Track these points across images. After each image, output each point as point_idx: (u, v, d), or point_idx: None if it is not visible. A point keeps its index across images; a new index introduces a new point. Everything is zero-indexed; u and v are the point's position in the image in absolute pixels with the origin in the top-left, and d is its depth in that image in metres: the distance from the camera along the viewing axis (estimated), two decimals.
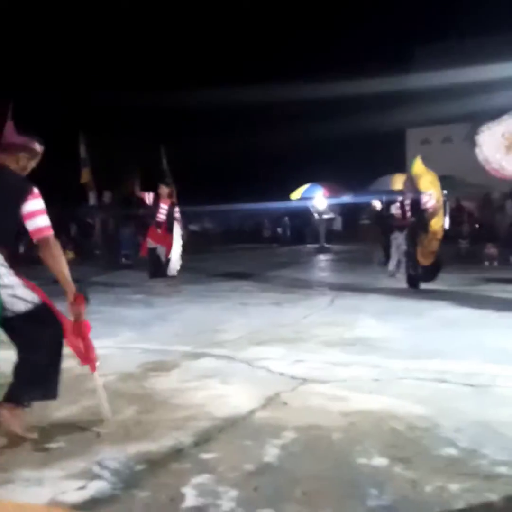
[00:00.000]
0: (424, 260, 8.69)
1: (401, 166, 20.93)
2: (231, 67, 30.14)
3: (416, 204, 8.85)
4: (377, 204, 12.02)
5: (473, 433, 3.07)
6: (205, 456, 2.89)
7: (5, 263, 3.14)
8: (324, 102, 24.82)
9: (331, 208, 23.90)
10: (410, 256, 8.83)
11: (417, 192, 8.83)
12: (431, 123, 24.40)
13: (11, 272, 3.14)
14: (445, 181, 21.31)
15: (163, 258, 10.49)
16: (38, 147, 3.41)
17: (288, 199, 24.03)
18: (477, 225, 17.03)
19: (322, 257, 17.54)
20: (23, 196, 3.16)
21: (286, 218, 27.39)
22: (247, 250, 22.23)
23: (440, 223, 8.79)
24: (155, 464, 2.81)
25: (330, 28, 28.92)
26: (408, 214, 9.03)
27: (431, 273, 8.79)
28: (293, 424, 3.26)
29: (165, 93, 25.17)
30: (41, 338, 3.16)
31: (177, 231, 10.48)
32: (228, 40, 30.36)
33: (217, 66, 29.54)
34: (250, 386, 4.00)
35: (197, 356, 4.90)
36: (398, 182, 13.95)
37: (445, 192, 22.18)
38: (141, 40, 29.43)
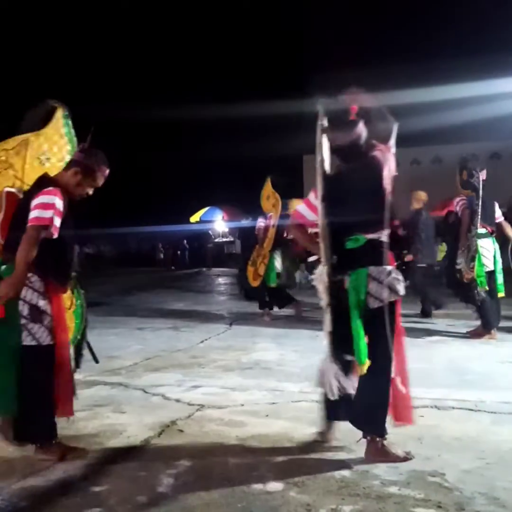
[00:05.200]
0: (253, 281, 8.62)
1: (299, 191, 21.46)
2: (131, 85, 29.87)
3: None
4: None
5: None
6: (95, 489, 2.77)
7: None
8: (224, 126, 25.15)
9: (230, 231, 24.12)
10: (240, 274, 9.02)
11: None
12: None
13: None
14: None
15: None
16: (94, 165, 3.33)
17: (187, 222, 24.03)
18: None
19: (221, 280, 17.58)
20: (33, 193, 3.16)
21: (185, 241, 27.37)
22: (143, 273, 21.91)
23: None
24: (42, 499, 2.67)
25: (230, 52, 29.37)
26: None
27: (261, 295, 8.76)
28: (188, 452, 3.20)
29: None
30: None
31: None
32: (125, 61, 30.12)
33: (114, 84, 29.16)
34: (145, 414, 3.89)
35: (89, 384, 4.72)
36: (294, 206, 14.19)
37: None
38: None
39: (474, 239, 6.54)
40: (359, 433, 3.15)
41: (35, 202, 3.10)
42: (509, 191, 12.86)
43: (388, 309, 3.09)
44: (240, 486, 2.77)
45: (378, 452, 3.07)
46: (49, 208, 3.09)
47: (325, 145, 3.17)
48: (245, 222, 9.02)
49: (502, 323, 7.39)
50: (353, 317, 3.08)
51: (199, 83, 30.41)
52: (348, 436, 3.40)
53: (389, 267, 3.15)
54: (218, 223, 24.24)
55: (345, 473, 2.90)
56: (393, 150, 3.21)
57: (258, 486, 2.76)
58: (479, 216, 6.55)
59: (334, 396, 3.12)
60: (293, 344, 6.47)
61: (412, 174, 20.23)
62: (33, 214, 3.07)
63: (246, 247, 9.56)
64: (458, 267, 6.65)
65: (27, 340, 3.12)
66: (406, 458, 3.06)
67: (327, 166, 3.19)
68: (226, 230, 24.78)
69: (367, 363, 3.04)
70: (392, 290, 3.11)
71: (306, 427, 3.57)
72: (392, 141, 3.22)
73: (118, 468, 3.01)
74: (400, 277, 3.17)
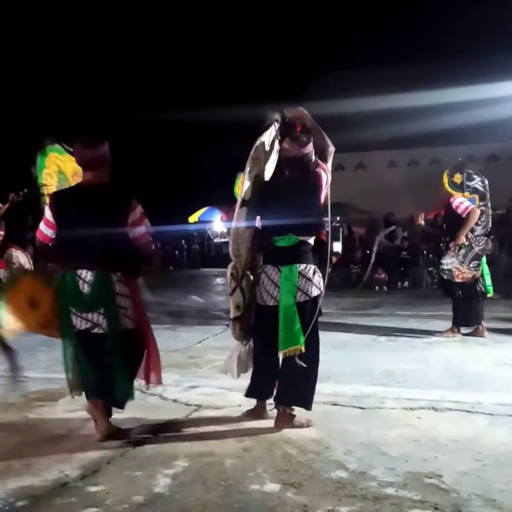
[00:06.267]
0: None
1: None
2: (129, 86, 29.77)
3: None
4: None
5: (362, 455, 3.14)
6: (92, 489, 2.76)
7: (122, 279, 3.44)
8: (223, 127, 25.12)
9: (229, 231, 24.07)
10: None
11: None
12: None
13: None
14: (337, 207, 22.14)
15: None
16: (105, 144, 3.50)
17: (185, 222, 24.00)
18: (367, 251, 17.61)
19: (219, 280, 17.57)
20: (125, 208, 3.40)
21: (183, 241, 27.33)
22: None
23: None
24: (38, 499, 2.67)
25: (229, 53, 29.33)
26: None
27: None
28: (186, 452, 3.19)
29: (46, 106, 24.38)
30: None
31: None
32: (128, 63, 29.96)
33: (111, 86, 29.04)
34: (142, 414, 3.89)
35: None
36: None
37: (337, 218, 23.11)
38: None
39: (480, 238, 6.66)
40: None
41: (133, 218, 3.43)
42: (507, 193, 12.89)
43: (312, 302, 3.57)
44: (237, 486, 2.77)
45: (288, 420, 3.55)
46: (145, 216, 3.51)
47: (274, 153, 3.69)
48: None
49: (499, 325, 7.42)
50: (284, 307, 3.51)
51: (198, 84, 30.32)
52: (344, 437, 3.41)
53: (314, 266, 3.61)
54: (217, 223, 24.24)
55: (342, 474, 2.91)
56: (330, 169, 3.71)
57: (255, 487, 2.76)
58: (490, 216, 6.71)
59: (235, 377, 3.79)
60: None
61: (410, 175, 20.27)
62: (141, 230, 3.49)
63: None
64: (446, 267, 6.74)
65: (130, 324, 3.51)
66: (308, 425, 3.58)
67: (269, 172, 3.72)
68: (225, 230, 24.77)
69: (294, 348, 3.47)
70: (317, 286, 3.59)
71: (303, 427, 3.58)
72: (330, 163, 3.73)
73: (115, 468, 3.01)
74: (321, 275, 3.65)
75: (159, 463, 3.05)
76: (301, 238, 3.58)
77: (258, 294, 3.68)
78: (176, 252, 27.30)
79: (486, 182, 6.81)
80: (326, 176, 3.63)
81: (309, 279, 3.56)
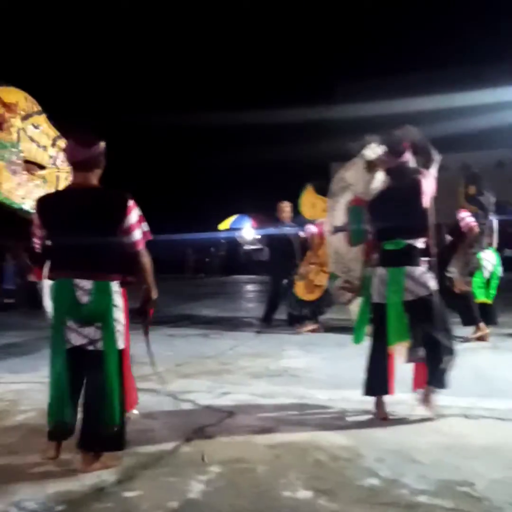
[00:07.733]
0: (310, 295, 7.96)
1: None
2: (160, 91, 30.00)
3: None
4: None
5: (393, 462, 3.15)
6: (128, 494, 2.82)
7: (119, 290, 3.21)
8: (251, 134, 25.23)
9: (259, 239, 24.17)
10: (286, 293, 8.46)
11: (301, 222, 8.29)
12: (352, 157, 25.07)
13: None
14: None
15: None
16: (99, 141, 3.25)
17: (215, 230, 24.12)
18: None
19: (249, 287, 17.63)
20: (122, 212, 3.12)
21: (213, 249, 27.48)
22: (172, 281, 22.03)
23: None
24: (76, 504, 2.73)
25: (253, 59, 29.42)
26: None
27: (316, 308, 8.03)
28: (219, 458, 3.24)
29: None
30: None
31: None
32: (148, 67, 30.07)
33: (142, 90, 29.32)
34: (176, 420, 3.95)
35: None
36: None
37: None
38: None
39: (476, 256, 6.62)
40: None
41: (129, 222, 3.12)
42: None
43: (421, 301, 3.81)
44: (269, 493, 2.80)
45: (429, 401, 3.91)
46: (141, 220, 3.26)
47: (379, 174, 4.15)
48: (274, 230, 8.79)
49: None
50: (391, 306, 3.81)
51: (228, 89, 30.47)
52: (375, 444, 3.42)
53: (422, 268, 3.86)
54: (247, 231, 24.29)
55: (374, 481, 2.92)
56: (434, 175, 3.96)
57: (287, 493, 2.79)
58: (485, 236, 6.64)
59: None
60: (320, 352, 6.48)
61: None
62: (136, 235, 3.17)
63: (280, 258, 8.69)
64: (449, 275, 6.70)
65: (121, 345, 3.24)
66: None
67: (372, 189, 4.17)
68: (257, 237, 24.82)
69: (402, 343, 3.81)
70: (425, 286, 3.82)
71: (334, 435, 3.60)
72: (434, 169, 3.99)
73: (149, 474, 3.07)
74: (432, 275, 3.89)
75: (192, 468, 3.10)
76: (408, 241, 3.87)
77: (373, 293, 3.99)
78: (207, 259, 27.48)
79: (492, 199, 6.74)
80: (426, 180, 3.91)
81: (416, 280, 3.83)
